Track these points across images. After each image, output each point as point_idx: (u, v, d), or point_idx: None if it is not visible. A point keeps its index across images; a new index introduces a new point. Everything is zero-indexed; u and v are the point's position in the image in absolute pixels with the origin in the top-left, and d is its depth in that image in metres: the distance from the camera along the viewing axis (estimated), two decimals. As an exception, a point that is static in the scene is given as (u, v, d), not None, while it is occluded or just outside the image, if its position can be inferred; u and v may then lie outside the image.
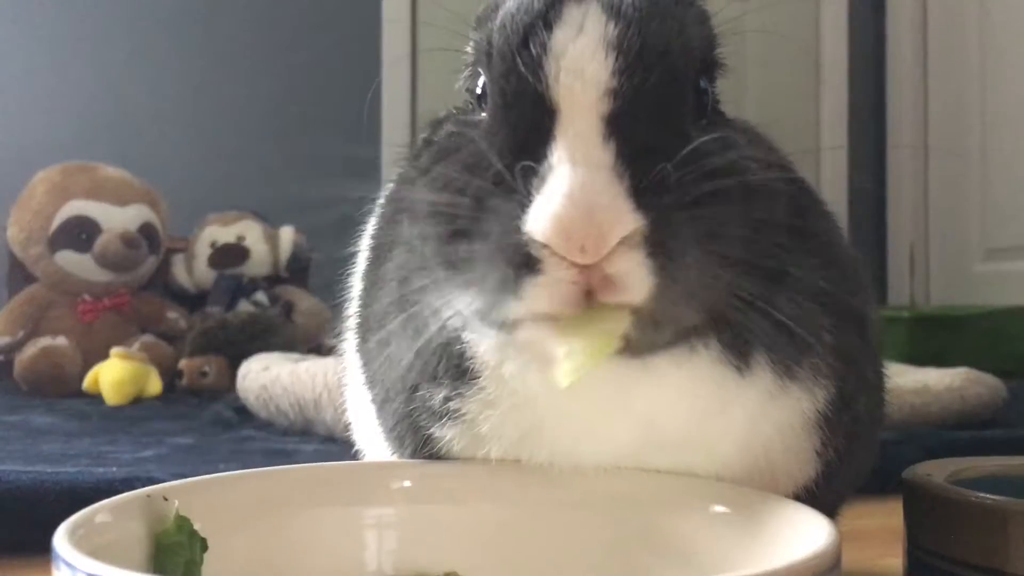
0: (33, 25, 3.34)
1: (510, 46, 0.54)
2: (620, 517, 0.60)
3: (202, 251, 2.72)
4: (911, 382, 1.53)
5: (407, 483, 0.65)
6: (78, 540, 0.49)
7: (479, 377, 0.59)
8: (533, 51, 0.53)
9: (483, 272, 0.51)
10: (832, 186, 4.06)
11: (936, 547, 0.66)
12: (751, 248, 0.53)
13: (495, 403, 0.59)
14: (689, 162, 0.51)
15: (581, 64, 0.52)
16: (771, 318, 0.55)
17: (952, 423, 1.50)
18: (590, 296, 0.49)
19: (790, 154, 0.70)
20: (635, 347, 0.53)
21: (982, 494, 0.64)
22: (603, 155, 0.49)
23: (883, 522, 0.81)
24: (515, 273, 0.49)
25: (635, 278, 0.49)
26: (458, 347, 0.59)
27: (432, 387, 0.61)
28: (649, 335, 0.53)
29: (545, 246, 0.48)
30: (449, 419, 0.61)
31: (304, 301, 2.70)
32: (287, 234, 2.77)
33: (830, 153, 4.11)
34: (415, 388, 0.62)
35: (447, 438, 0.62)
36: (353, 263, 0.79)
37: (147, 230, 2.51)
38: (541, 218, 0.48)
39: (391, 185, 0.75)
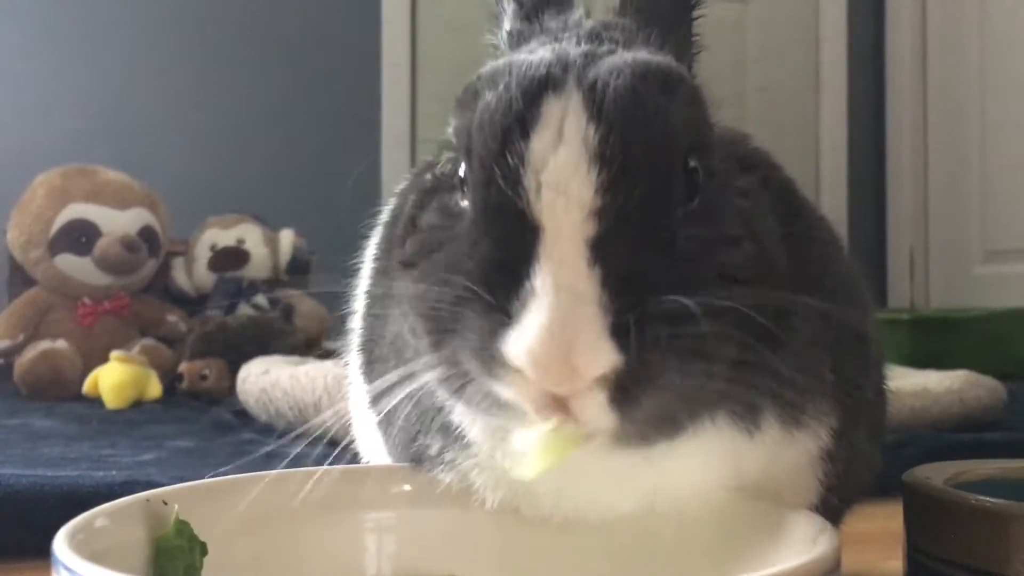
0: (33, 28, 3.34)
1: (489, 153, 0.51)
2: (620, 523, 0.60)
3: (202, 254, 2.71)
4: (911, 385, 1.52)
5: (407, 487, 0.65)
6: (77, 544, 0.49)
7: (471, 445, 0.59)
8: (511, 162, 0.50)
9: (467, 371, 0.50)
10: (832, 187, 4.06)
11: (936, 550, 0.66)
12: (747, 335, 0.51)
13: (489, 466, 0.59)
14: (676, 283, 0.48)
15: (563, 180, 0.49)
16: (775, 378, 0.54)
17: (952, 426, 1.49)
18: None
19: (789, 154, 0.69)
20: (624, 444, 0.53)
21: (982, 497, 0.64)
22: (587, 285, 0.47)
23: (883, 525, 0.81)
24: (494, 384, 0.49)
25: (597, 415, 0.48)
26: (450, 415, 0.59)
27: (429, 438, 0.62)
28: (627, 442, 0.53)
29: (520, 371, 0.47)
30: (445, 467, 0.62)
31: (304, 304, 2.70)
32: (287, 237, 2.77)
33: (830, 153, 4.11)
34: (414, 437, 0.63)
35: (446, 480, 0.62)
36: (356, 270, 0.79)
37: (147, 233, 2.50)
38: (520, 346, 0.46)
39: (393, 199, 0.75)
